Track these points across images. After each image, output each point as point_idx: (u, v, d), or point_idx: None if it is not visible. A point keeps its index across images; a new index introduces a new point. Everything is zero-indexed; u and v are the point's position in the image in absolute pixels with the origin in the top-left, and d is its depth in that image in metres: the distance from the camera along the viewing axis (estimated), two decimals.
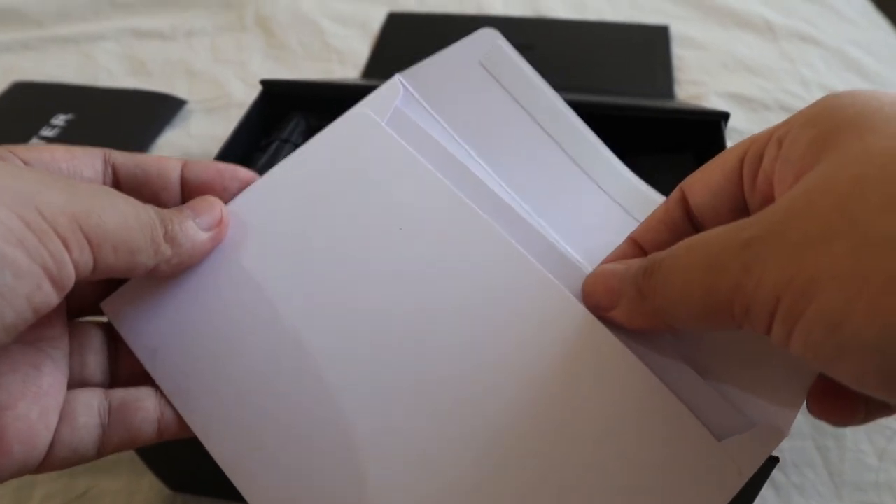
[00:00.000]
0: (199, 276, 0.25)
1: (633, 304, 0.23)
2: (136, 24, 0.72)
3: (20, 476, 0.21)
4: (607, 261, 0.26)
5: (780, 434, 0.23)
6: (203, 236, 0.24)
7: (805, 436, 0.38)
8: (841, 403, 0.22)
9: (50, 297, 0.19)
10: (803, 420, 0.39)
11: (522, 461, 0.23)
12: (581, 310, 0.24)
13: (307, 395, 0.24)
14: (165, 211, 0.23)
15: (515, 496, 0.23)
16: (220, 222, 0.25)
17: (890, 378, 0.17)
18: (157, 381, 0.24)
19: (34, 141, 0.58)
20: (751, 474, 0.22)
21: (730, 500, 0.22)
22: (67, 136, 0.59)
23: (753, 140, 0.23)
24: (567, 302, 0.24)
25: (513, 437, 0.23)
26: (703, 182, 0.24)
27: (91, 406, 0.23)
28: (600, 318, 0.24)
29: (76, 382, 0.24)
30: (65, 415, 0.22)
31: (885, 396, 0.18)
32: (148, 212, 0.22)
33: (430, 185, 0.26)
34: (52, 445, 0.22)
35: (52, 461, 0.22)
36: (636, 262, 0.23)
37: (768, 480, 0.36)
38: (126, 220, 0.21)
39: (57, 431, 0.22)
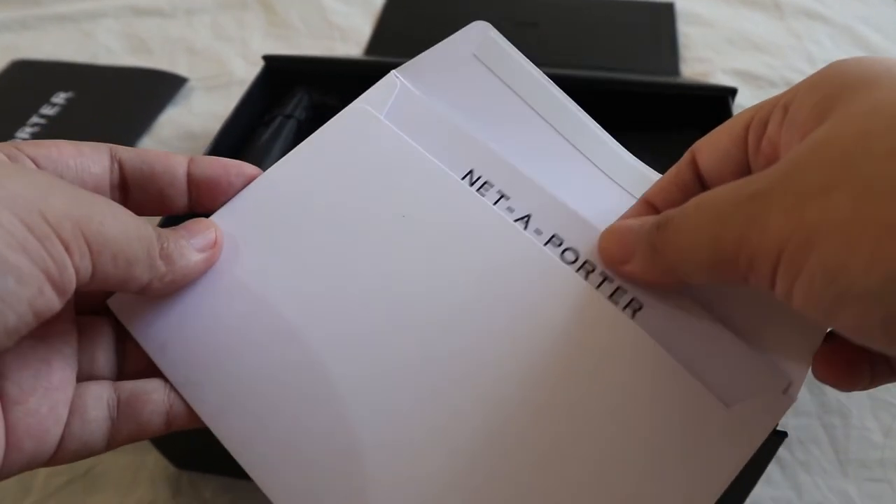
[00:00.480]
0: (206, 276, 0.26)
1: (646, 257, 0.23)
2: (135, 2, 0.71)
3: (30, 469, 0.22)
4: (622, 218, 0.26)
5: (788, 400, 0.22)
6: (197, 257, 0.24)
7: (811, 413, 0.38)
8: (846, 366, 0.22)
9: (52, 301, 0.19)
10: (809, 398, 0.39)
11: (531, 441, 0.23)
12: (586, 287, 0.24)
13: (313, 381, 0.24)
14: (162, 229, 0.24)
15: (521, 479, 0.23)
16: (214, 244, 0.25)
17: (890, 327, 0.17)
18: (166, 374, 0.24)
19: (34, 119, 0.58)
20: (761, 441, 0.22)
21: (740, 467, 0.22)
22: (68, 114, 0.58)
23: (760, 107, 0.23)
24: (572, 279, 0.24)
25: (521, 418, 0.23)
26: (711, 146, 0.24)
27: (101, 399, 0.23)
28: (615, 273, 0.24)
29: (85, 376, 0.24)
30: (75, 409, 0.23)
31: (886, 347, 0.17)
32: (146, 227, 0.22)
33: (430, 174, 0.27)
34: (62, 439, 0.22)
35: (62, 455, 0.22)
36: (650, 219, 0.23)
37: (774, 458, 0.36)
38: (126, 230, 0.21)
39: (67, 425, 0.22)
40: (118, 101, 0.60)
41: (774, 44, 0.64)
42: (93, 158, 0.24)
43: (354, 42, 0.66)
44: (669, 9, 0.67)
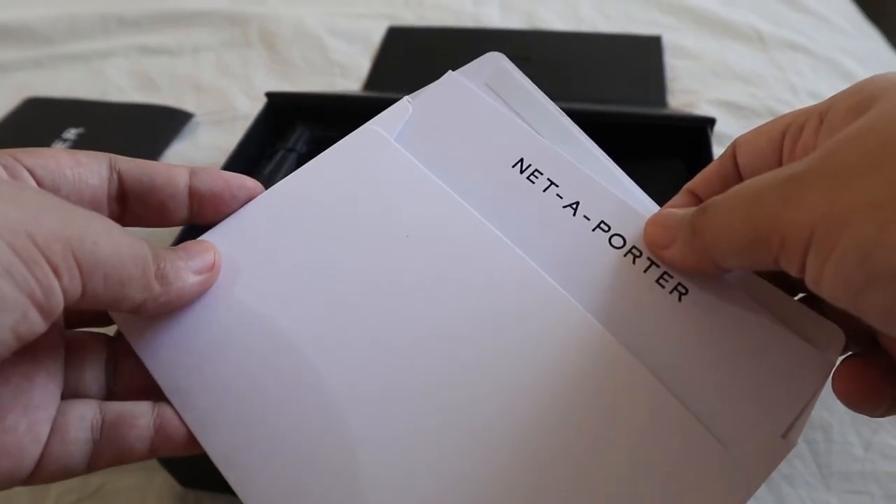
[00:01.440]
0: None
1: (686, 242, 0.24)
2: (143, 41, 0.74)
3: (6, 489, 0.21)
4: (666, 207, 0.27)
5: (789, 444, 0.23)
6: (193, 279, 0.24)
7: None
8: (868, 385, 0.22)
9: (36, 325, 0.19)
10: None
11: (527, 472, 0.23)
12: (587, 318, 0.25)
13: (306, 398, 0.24)
14: (159, 249, 0.23)
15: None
16: (212, 267, 0.25)
17: None
18: (157, 378, 0.24)
19: None
20: (759, 485, 0.22)
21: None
22: (79, 149, 0.61)
23: (798, 113, 0.24)
24: (574, 311, 0.25)
25: (517, 448, 0.23)
26: (750, 144, 0.25)
27: (84, 420, 0.23)
28: (658, 258, 0.25)
29: (71, 393, 0.23)
30: (57, 427, 0.22)
31: None
32: (142, 246, 0.22)
33: (437, 198, 0.27)
34: (40, 459, 0.21)
35: (40, 475, 0.22)
36: (693, 208, 0.24)
37: None
38: (120, 249, 0.21)
39: (46, 445, 0.22)
40: (127, 135, 0.63)
41: (758, 75, 0.67)
42: (91, 169, 0.23)
43: (354, 78, 0.68)
44: (657, 42, 0.69)
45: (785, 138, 0.24)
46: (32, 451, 0.21)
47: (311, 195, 0.27)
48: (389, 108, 0.29)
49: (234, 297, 0.25)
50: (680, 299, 0.25)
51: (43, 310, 0.19)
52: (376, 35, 0.73)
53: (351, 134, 0.29)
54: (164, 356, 0.24)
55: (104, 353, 0.25)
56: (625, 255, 0.26)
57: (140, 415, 0.23)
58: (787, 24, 0.73)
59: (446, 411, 0.24)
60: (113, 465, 0.23)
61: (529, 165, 0.28)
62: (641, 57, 0.68)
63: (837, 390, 0.23)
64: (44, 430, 0.21)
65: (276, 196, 0.27)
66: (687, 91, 0.65)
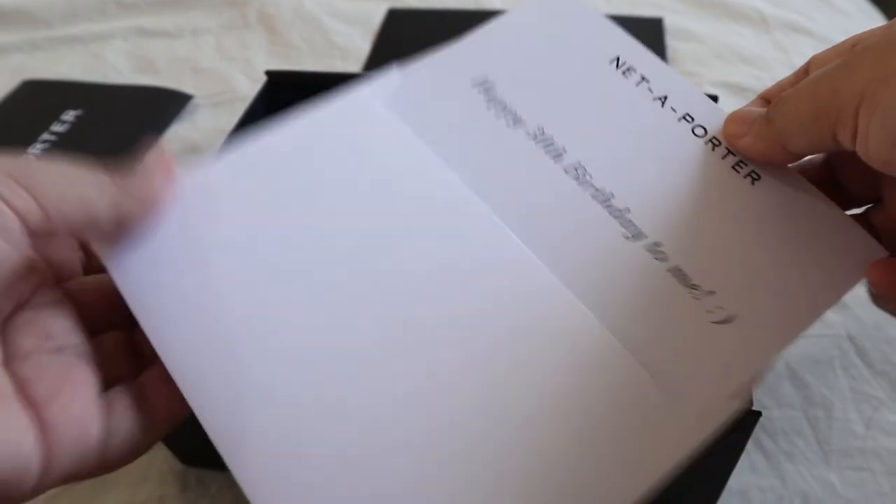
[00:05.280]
0: (189, 229, 0.27)
1: (761, 130, 0.26)
2: (142, 24, 0.74)
3: (77, 478, 0.22)
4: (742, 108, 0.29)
5: (740, 403, 0.23)
6: (154, 175, 0.25)
7: (795, 406, 0.39)
8: None
9: (3, 251, 0.21)
10: (793, 392, 0.40)
11: (470, 415, 0.24)
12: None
13: (275, 333, 0.25)
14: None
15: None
16: (168, 163, 0.26)
17: None
18: (138, 317, 0.25)
19: (45, 136, 0.60)
20: (702, 439, 0.23)
21: (677, 459, 0.23)
22: (77, 132, 0.60)
23: (868, 33, 0.26)
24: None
25: (463, 391, 0.24)
26: (823, 61, 0.28)
27: (124, 402, 0.24)
28: (732, 147, 0.28)
29: (105, 385, 0.25)
30: (105, 410, 0.23)
31: None
32: (92, 168, 0.23)
33: (419, 161, 0.29)
34: (103, 437, 0.23)
35: (106, 453, 0.23)
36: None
37: (759, 448, 0.38)
38: (66, 170, 0.22)
39: (103, 424, 0.23)
40: (126, 118, 0.62)
41: (761, 57, 0.66)
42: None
43: (354, 59, 0.68)
44: (658, 24, 0.69)
45: (855, 49, 0.26)
46: (94, 427, 0.23)
47: (295, 150, 0.29)
48: (377, 77, 0.32)
49: (212, 236, 0.27)
50: (753, 183, 0.27)
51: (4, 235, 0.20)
52: (376, 17, 0.73)
53: (338, 95, 0.31)
54: (144, 295, 0.26)
55: (124, 343, 0.27)
56: (706, 143, 0.28)
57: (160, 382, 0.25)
58: (789, 5, 0.73)
59: (416, 358, 0.25)
60: (152, 441, 0.25)
61: (625, 62, 0.31)
62: (643, 39, 0.67)
63: (872, 277, 0.25)
64: (96, 410, 0.23)
65: (262, 147, 0.29)
66: (689, 73, 0.64)
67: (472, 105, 0.31)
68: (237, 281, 0.26)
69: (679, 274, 0.26)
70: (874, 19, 0.74)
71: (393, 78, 0.32)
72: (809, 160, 0.30)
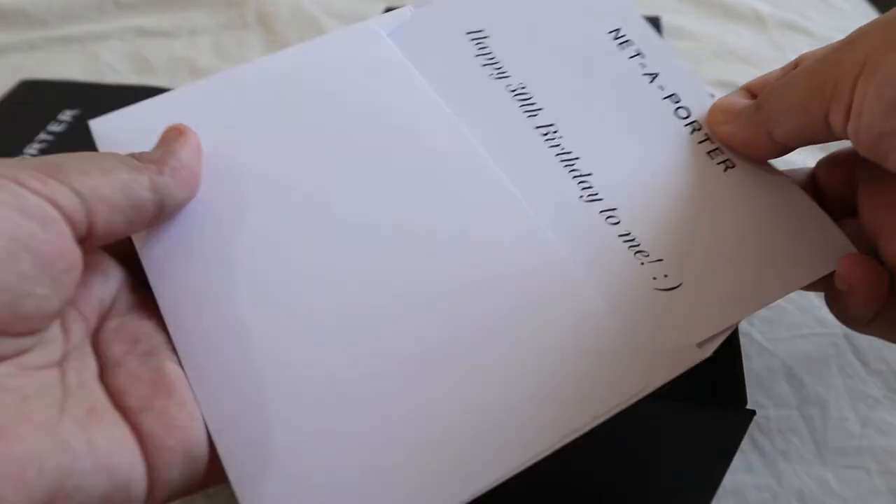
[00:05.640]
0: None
1: (749, 116, 0.27)
2: (139, 23, 0.73)
3: (192, 488, 0.21)
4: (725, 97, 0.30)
5: (703, 352, 0.24)
6: (179, 141, 0.25)
7: (791, 405, 0.39)
8: (875, 273, 0.24)
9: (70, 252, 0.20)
10: (789, 391, 0.40)
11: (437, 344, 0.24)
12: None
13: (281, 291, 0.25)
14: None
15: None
16: (183, 130, 0.26)
17: None
18: (158, 297, 0.25)
19: (42, 136, 0.60)
20: (660, 382, 0.23)
21: (626, 399, 0.23)
22: (74, 131, 0.60)
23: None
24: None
25: (428, 320, 0.25)
26: (813, 57, 0.27)
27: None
28: (715, 134, 0.28)
29: None
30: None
31: None
32: (119, 155, 0.23)
33: (420, 99, 0.29)
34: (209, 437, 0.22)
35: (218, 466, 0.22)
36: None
37: (755, 447, 0.38)
38: (99, 160, 0.22)
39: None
40: None
41: (758, 55, 0.66)
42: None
43: None
44: (655, 23, 0.69)
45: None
46: (197, 426, 0.22)
47: (297, 78, 0.30)
48: (389, 13, 0.33)
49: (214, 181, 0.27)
50: (725, 171, 0.28)
51: (69, 219, 0.20)
52: (373, 16, 0.72)
53: (345, 27, 0.32)
54: (162, 268, 0.25)
55: None
56: (685, 125, 0.29)
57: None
58: (786, 4, 0.73)
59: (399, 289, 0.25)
60: None
61: (623, 35, 0.31)
62: None
63: (844, 269, 0.25)
64: (195, 411, 0.22)
65: (261, 69, 0.31)
66: None
67: (460, 52, 0.31)
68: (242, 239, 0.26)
69: (628, 239, 0.26)
70: (868, 16, 0.74)
71: (404, 14, 0.33)
72: (793, 172, 0.30)
